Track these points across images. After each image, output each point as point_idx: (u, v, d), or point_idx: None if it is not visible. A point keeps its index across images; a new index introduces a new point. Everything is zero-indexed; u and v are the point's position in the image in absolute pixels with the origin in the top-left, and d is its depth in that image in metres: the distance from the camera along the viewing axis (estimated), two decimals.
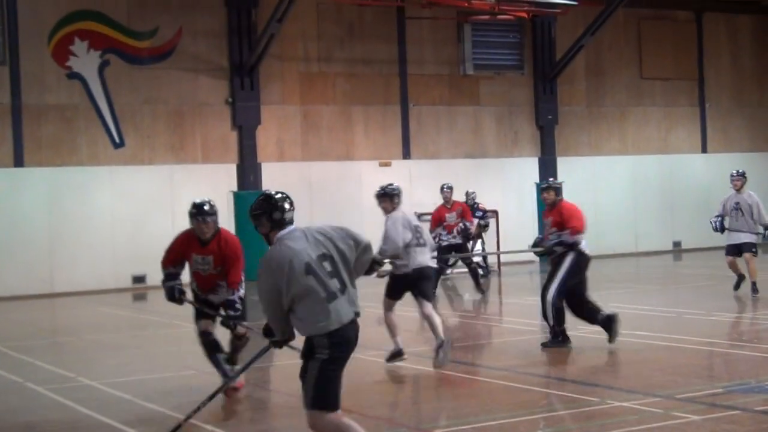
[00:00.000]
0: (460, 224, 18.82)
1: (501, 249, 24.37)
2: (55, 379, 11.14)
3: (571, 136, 28.51)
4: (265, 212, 7.11)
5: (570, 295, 12.07)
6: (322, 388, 6.54)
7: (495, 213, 24.44)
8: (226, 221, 23.96)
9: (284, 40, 24.49)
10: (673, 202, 29.47)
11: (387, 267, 11.66)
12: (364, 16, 25.87)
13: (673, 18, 29.97)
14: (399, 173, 25.93)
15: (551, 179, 14.79)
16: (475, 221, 21.13)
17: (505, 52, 27.83)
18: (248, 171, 24.35)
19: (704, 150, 30.43)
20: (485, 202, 23.63)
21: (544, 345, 12.19)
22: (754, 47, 31.19)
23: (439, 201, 22.79)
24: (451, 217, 18.99)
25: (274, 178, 24.47)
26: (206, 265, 9.90)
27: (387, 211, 11.94)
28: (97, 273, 22.82)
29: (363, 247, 6.84)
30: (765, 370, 10.11)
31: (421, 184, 25.84)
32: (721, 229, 17.08)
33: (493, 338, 13.80)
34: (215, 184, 23.99)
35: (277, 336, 6.80)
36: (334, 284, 6.55)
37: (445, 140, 26.88)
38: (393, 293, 11.62)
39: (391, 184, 11.98)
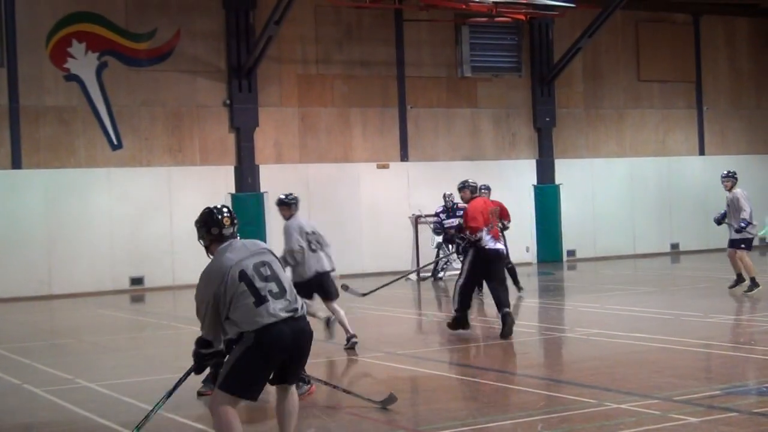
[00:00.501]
0: (499, 224, 18.93)
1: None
2: (53, 380, 11.14)
3: (569, 139, 28.53)
4: (203, 226, 7.42)
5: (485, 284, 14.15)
6: (237, 370, 6.65)
7: None
8: None
9: (282, 42, 24.52)
10: (671, 204, 29.51)
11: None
12: (362, 19, 25.89)
13: (670, 20, 30.00)
14: (397, 175, 25.98)
15: (468, 179, 15.30)
16: (455, 221, 21.13)
17: (503, 54, 27.85)
18: (246, 173, 24.37)
19: (702, 152, 30.46)
20: None
21: (448, 325, 14.04)
22: (752, 50, 31.23)
23: (437, 203, 22.85)
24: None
25: (272, 180, 24.50)
26: None
27: (285, 218, 12.71)
28: (96, 275, 22.83)
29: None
30: (763, 372, 10.14)
31: (419, 187, 25.87)
32: (718, 221, 17.92)
33: (490, 340, 13.80)
34: (213, 186, 24.01)
35: (215, 344, 6.97)
36: (272, 287, 6.81)
37: (443, 142, 26.90)
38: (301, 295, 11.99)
39: (290, 194, 12.84)
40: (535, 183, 27.71)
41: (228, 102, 24.37)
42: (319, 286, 12.87)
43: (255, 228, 24.26)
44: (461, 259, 14.44)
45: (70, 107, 23.00)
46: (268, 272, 6.93)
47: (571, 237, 27.72)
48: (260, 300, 6.69)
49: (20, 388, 10.81)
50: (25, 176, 22.48)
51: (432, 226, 23.15)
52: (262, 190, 24.52)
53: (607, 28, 27.37)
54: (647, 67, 29.48)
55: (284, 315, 6.73)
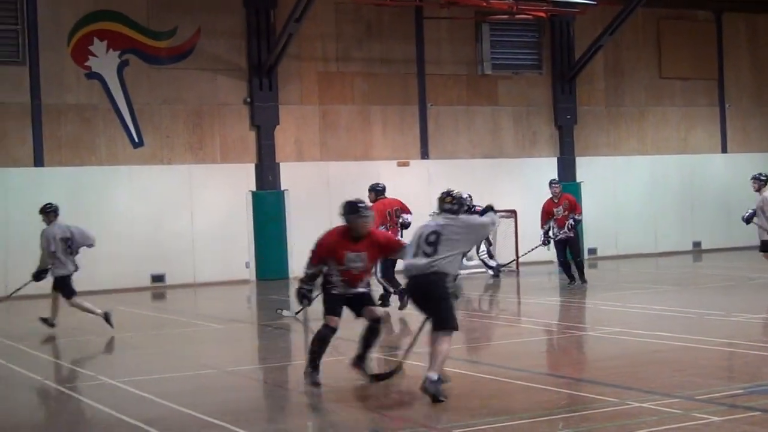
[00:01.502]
0: (570, 221, 19.26)
1: (519, 249, 24.33)
2: (74, 377, 11.18)
3: (590, 136, 28.44)
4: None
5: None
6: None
7: (513, 213, 24.40)
8: (245, 221, 24.10)
9: (303, 40, 24.53)
10: (693, 202, 29.36)
11: None
12: (382, 16, 25.87)
13: (692, 17, 29.85)
14: (417, 173, 25.94)
15: (379, 183, 17.39)
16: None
17: (524, 51, 27.80)
18: (267, 171, 24.40)
19: (724, 150, 30.29)
20: (504, 203, 23.56)
21: (400, 308, 15.83)
22: None
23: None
24: (558, 211, 19.68)
25: (292, 177, 24.53)
26: (360, 263, 10.02)
27: (46, 224, 16.21)
28: (117, 272, 22.91)
29: None
30: None
31: (440, 184, 25.72)
32: (747, 220, 18.12)
33: (512, 338, 13.78)
34: (234, 184, 24.06)
35: None
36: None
37: (464, 140, 26.86)
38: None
39: (48, 204, 16.26)
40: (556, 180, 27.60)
41: (249, 100, 24.41)
42: (58, 287, 15.84)
43: (276, 225, 24.31)
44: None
45: (91, 105, 23.08)
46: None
47: (592, 235, 27.61)
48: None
49: (42, 384, 10.86)
50: (47, 174, 22.58)
51: None
52: (282, 188, 24.54)
53: (628, 26, 27.26)
54: (669, 64, 29.34)
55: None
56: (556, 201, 19.86)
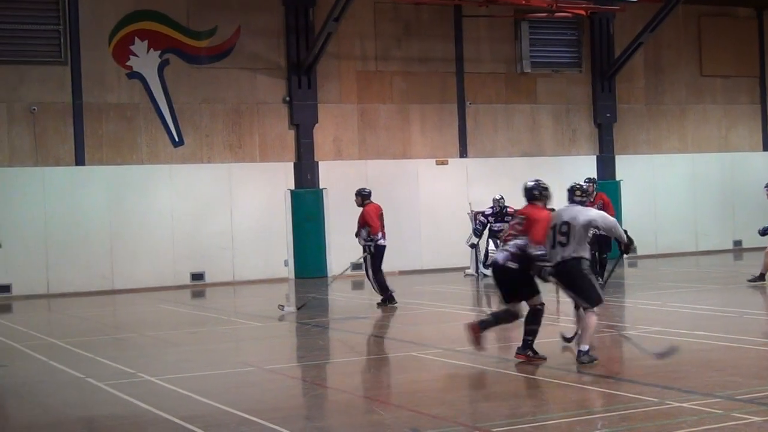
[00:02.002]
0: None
1: None
2: (115, 374, 11.27)
3: (630, 134, 28.27)
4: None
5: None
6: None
7: (552, 212, 24.25)
8: (284, 219, 24.18)
9: (341, 39, 24.57)
10: (734, 200, 29.10)
11: None
12: (421, 15, 25.86)
13: (733, 14, 29.59)
14: (455, 171, 25.92)
15: (365, 187, 18.42)
16: (503, 226, 21.63)
17: (563, 49, 27.68)
18: (305, 169, 24.47)
19: (766, 148, 29.99)
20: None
21: (378, 305, 17.28)
22: None
23: (495, 198, 22.76)
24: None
25: (331, 176, 24.59)
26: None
27: None
28: (157, 270, 23.08)
29: None
30: None
31: (478, 183, 25.78)
32: (763, 232, 18.90)
33: (549, 337, 13.71)
34: (273, 182, 24.16)
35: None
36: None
37: (502, 138, 26.79)
38: None
39: None
40: (596, 179, 27.45)
41: (288, 99, 24.49)
42: None
43: (315, 224, 24.37)
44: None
45: (132, 104, 23.27)
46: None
47: (631, 234, 27.24)
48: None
49: (83, 381, 10.96)
50: (88, 173, 22.78)
51: (475, 224, 22.95)
52: (321, 187, 24.60)
53: (668, 23, 27.06)
54: (709, 61, 29.10)
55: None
56: (591, 200, 19.65)
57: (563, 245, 10.72)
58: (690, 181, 28.85)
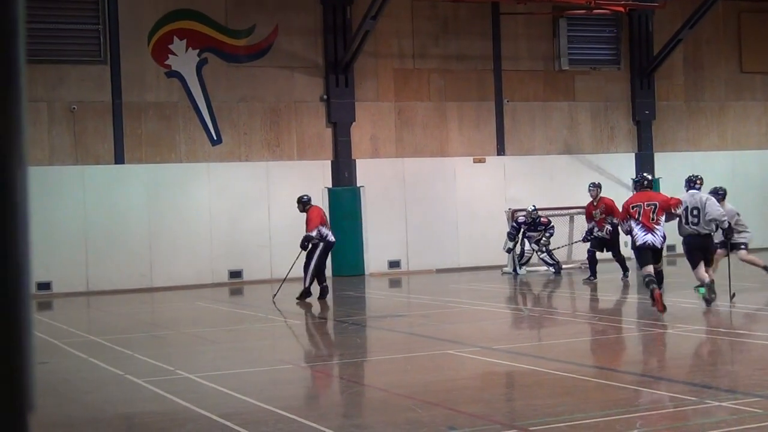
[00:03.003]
0: (608, 226, 20.56)
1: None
2: (153, 371, 11.35)
3: (669, 132, 28.07)
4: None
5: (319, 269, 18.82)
6: None
7: None
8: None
9: (379, 37, 24.59)
10: None
11: None
12: (458, 13, 25.82)
13: None
14: (493, 169, 25.86)
15: (305, 195, 19.64)
16: (535, 235, 23.16)
17: (601, 46, 27.54)
18: (343, 167, 24.51)
19: None
20: (580, 199, 23.40)
21: (297, 298, 18.66)
22: None
23: (532, 198, 22.83)
24: (596, 214, 20.71)
25: (368, 174, 24.61)
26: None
27: None
28: (195, 268, 23.21)
29: None
30: None
31: (516, 180, 25.72)
32: None
33: (587, 336, 13.66)
34: (310, 180, 24.20)
35: None
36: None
37: (540, 136, 26.70)
38: None
39: None
40: (634, 177, 27.29)
41: (325, 97, 24.54)
42: None
43: (352, 222, 24.40)
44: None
45: (171, 103, 23.41)
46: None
47: (670, 231, 27.18)
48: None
49: (122, 378, 11.04)
50: (128, 171, 22.96)
51: (510, 229, 23.25)
52: (358, 185, 24.63)
53: (708, 19, 26.84)
54: (750, 58, 28.83)
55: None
56: (594, 204, 20.79)
57: (695, 225, 15.80)
58: (730, 179, 28.53)
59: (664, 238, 15.53)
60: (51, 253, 21.58)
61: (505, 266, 23.43)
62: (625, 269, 20.57)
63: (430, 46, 25.70)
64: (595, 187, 20.76)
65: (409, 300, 18.82)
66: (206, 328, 15.93)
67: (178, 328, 15.90)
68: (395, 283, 23.19)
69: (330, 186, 24.48)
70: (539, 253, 23.26)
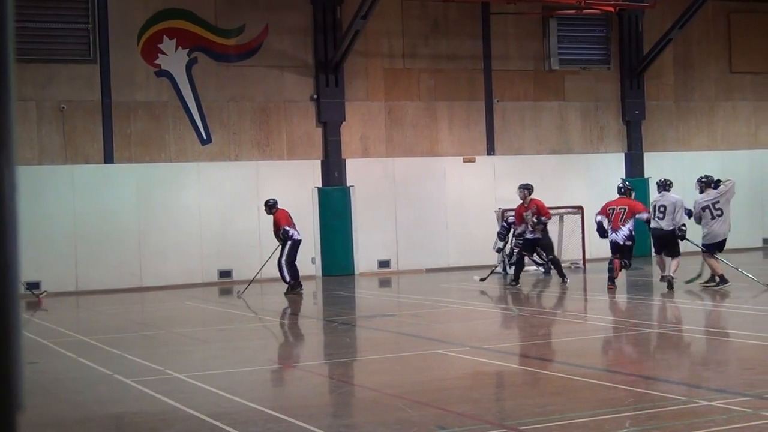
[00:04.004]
0: (533, 218, 20.45)
1: (586, 247, 24.17)
2: (143, 371, 11.33)
3: (659, 132, 28.13)
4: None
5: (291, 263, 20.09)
6: None
7: (580, 209, 24.24)
8: (311, 217, 24.22)
9: (369, 36, 24.59)
10: (764, 197, 28.89)
11: None
12: (448, 12, 25.84)
13: (763, 10, 29.36)
14: (483, 169, 25.88)
15: (272, 198, 20.79)
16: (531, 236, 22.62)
17: (591, 46, 27.58)
18: (333, 167, 24.51)
19: None
20: (570, 199, 23.48)
21: (285, 294, 19.73)
22: None
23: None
24: (527, 215, 20.43)
25: (358, 174, 24.61)
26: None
27: None
28: (185, 267, 23.18)
29: None
30: None
31: (506, 180, 25.73)
32: None
33: (578, 335, 13.68)
34: (300, 180, 24.20)
35: None
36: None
37: (530, 136, 26.73)
38: None
39: None
40: (624, 177, 27.35)
41: (315, 96, 24.53)
42: None
43: (342, 222, 24.41)
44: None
45: (160, 103, 23.38)
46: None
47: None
48: None
49: (111, 378, 11.02)
50: (117, 171, 22.92)
51: (499, 229, 23.13)
52: (348, 184, 24.63)
53: (698, 19, 26.91)
54: (739, 58, 28.91)
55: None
56: (525, 205, 20.57)
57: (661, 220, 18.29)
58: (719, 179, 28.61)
59: (629, 237, 18.18)
60: (40, 252, 21.53)
61: (476, 275, 23.25)
62: (562, 276, 20.43)
63: (420, 45, 25.71)
64: (524, 188, 20.47)
65: (399, 299, 18.83)
66: (196, 328, 15.90)
67: (168, 328, 15.87)
68: (385, 282, 23.20)
69: (320, 186, 24.47)
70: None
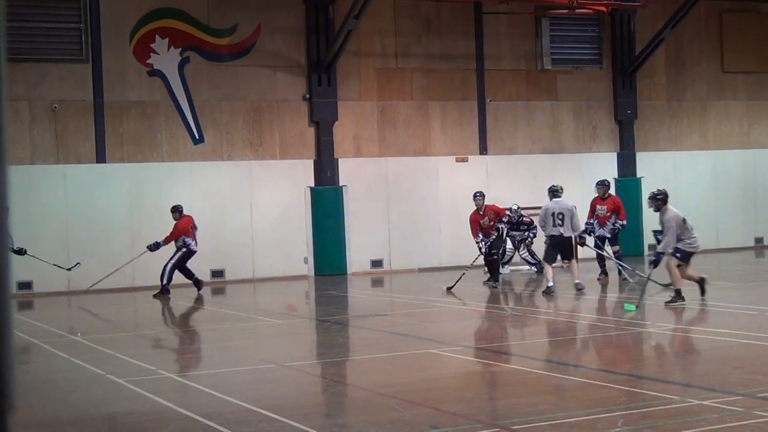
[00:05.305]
0: (492, 224, 20.38)
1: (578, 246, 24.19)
2: (135, 371, 11.31)
3: (651, 131, 28.16)
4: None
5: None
6: None
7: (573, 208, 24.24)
8: (303, 216, 24.22)
9: (361, 36, 24.58)
10: (756, 197, 28.94)
11: None
12: (441, 12, 25.84)
13: (755, 10, 29.42)
14: (476, 169, 25.88)
15: (179, 204, 21.02)
16: (518, 234, 23.29)
17: (584, 46, 27.60)
18: (325, 167, 24.50)
19: None
20: (563, 198, 23.43)
21: (154, 296, 20.29)
22: None
23: (515, 197, 22.87)
24: (485, 222, 20.32)
25: (351, 173, 24.61)
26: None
27: None
28: None
29: None
30: None
31: (498, 180, 25.75)
32: None
33: (570, 335, 13.70)
34: (293, 179, 24.20)
35: None
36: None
37: (522, 135, 26.75)
38: None
39: None
40: (616, 176, 27.41)
41: (308, 96, 24.52)
42: None
43: (334, 221, 24.40)
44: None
45: (153, 102, 23.35)
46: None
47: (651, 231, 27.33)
48: None
49: (104, 378, 11.01)
50: (110, 170, 22.89)
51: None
52: (341, 184, 24.62)
53: (690, 19, 26.95)
54: (732, 58, 28.96)
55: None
56: (481, 213, 20.36)
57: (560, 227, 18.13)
58: (711, 178, 28.73)
59: (587, 232, 19.84)
60: (32, 251, 21.46)
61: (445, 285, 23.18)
62: (495, 276, 20.30)
63: (413, 45, 25.71)
64: (481, 196, 20.32)
65: (392, 299, 18.83)
66: (188, 328, 15.89)
67: (160, 328, 15.85)
68: (378, 282, 23.20)
69: (312, 185, 24.46)
70: (521, 252, 23.36)
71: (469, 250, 24.98)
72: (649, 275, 16.98)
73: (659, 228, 16.84)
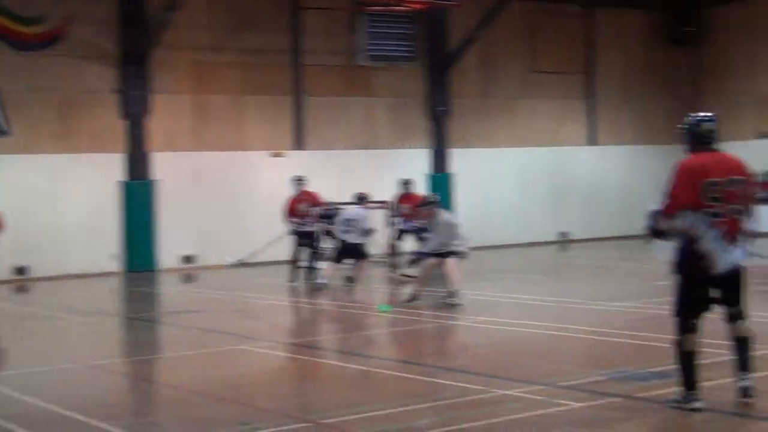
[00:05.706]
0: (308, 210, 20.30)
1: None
2: None
3: (464, 128, 28.69)
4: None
5: None
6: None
7: (387, 204, 24.49)
8: (114, 212, 23.64)
9: (176, 28, 24.10)
10: (563, 193, 29.89)
11: None
12: (257, 6, 25.64)
13: (564, 12, 30.35)
14: (293, 164, 25.81)
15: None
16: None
17: (400, 43, 27.85)
18: (137, 161, 23.97)
19: (593, 142, 30.92)
20: (378, 194, 23.66)
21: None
22: (645, 41, 31.75)
23: (333, 191, 22.93)
24: (301, 207, 20.34)
25: (164, 167, 24.16)
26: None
27: None
28: None
29: None
30: (644, 357, 10.31)
31: (317, 175, 25.73)
32: None
33: (379, 328, 13.83)
34: (103, 173, 23.57)
35: None
36: None
37: (339, 131, 26.84)
38: None
39: None
40: (429, 172, 27.84)
41: (120, 88, 23.92)
42: None
43: (146, 216, 23.93)
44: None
45: None
46: None
47: (464, 226, 27.85)
48: None
49: None
50: None
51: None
52: (154, 178, 24.15)
53: (502, 19, 27.59)
54: (541, 57, 29.79)
55: None
56: (298, 198, 20.57)
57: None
58: (520, 174, 29.50)
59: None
60: None
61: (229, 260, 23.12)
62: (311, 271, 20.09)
63: (228, 39, 25.41)
64: (299, 181, 20.69)
65: (204, 295, 18.58)
66: None
67: None
68: (190, 278, 22.86)
69: (124, 180, 23.89)
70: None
71: (286, 244, 24.96)
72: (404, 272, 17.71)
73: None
